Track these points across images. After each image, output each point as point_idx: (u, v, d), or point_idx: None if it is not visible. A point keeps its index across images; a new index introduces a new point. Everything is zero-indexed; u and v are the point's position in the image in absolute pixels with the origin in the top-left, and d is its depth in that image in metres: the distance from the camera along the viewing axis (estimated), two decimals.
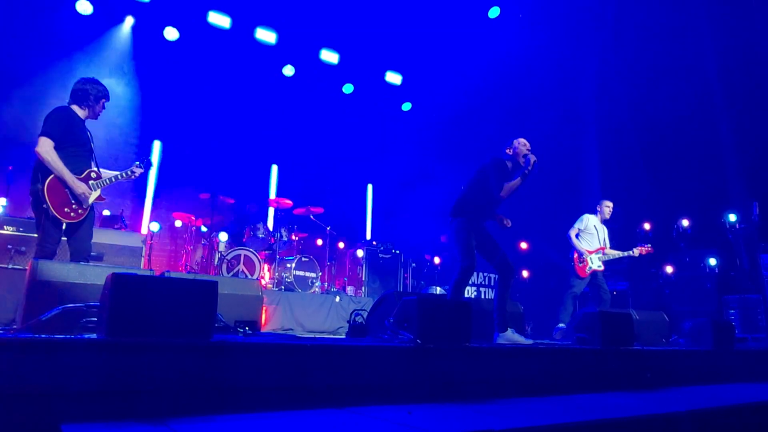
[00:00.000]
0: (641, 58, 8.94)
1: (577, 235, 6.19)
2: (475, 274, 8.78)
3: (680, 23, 8.53)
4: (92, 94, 3.96)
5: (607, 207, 6.34)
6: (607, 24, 9.36)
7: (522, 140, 4.50)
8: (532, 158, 4.31)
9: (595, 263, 6.10)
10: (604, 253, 6.17)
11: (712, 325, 4.40)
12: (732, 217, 7.39)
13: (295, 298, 6.60)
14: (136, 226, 8.13)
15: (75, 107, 3.95)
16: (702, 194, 8.09)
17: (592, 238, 6.20)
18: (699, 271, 7.47)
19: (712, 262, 7.39)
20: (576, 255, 6.11)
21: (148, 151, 8.74)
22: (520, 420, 2.11)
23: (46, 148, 3.63)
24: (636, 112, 9.18)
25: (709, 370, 4.04)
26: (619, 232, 7.43)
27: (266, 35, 9.04)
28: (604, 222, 6.37)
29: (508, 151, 4.51)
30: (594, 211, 6.36)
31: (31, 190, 3.71)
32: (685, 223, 7.67)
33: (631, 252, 6.27)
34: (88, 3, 7.87)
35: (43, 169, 3.66)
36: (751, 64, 7.79)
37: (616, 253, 6.23)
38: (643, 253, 6.32)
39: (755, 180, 7.68)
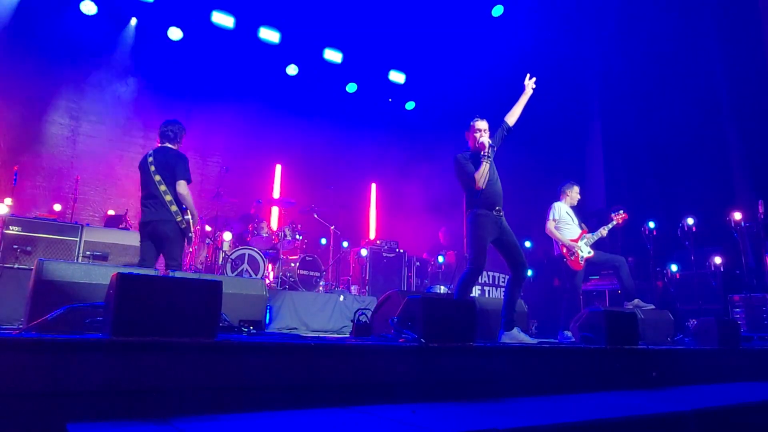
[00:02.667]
0: (646, 57, 8.91)
1: (556, 228, 5.72)
2: None
3: (686, 22, 8.49)
4: (179, 134, 4.80)
5: (577, 192, 5.94)
6: (612, 22, 9.32)
7: (473, 124, 4.31)
8: (486, 143, 4.18)
9: (585, 250, 5.65)
10: (587, 236, 5.75)
11: (718, 323, 4.38)
12: (737, 216, 7.34)
13: (299, 298, 6.60)
14: None
15: (168, 145, 4.76)
16: (707, 192, 8.05)
17: (570, 225, 5.76)
18: (704, 270, 7.43)
19: (718, 260, 7.35)
20: (565, 250, 5.64)
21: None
22: (524, 419, 2.11)
23: (187, 190, 4.61)
24: (641, 110, 9.14)
25: (714, 369, 4.02)
26: (624, 231, 7.39)
27: (270, 35, 9.04)
28: (571, 206, 5.94)
29: (467, 136, 4.39)
30: (558, 198, 5.92)
31: (178, 220, 4.54)
32: (690, 221, 7.62)
33: (608, 226, 5.84)
34: (93, 3, 7.90)
35: (182, 205, 4.59)
36: (758, 61, 7.75)
37: (598, 233, 5.79)
38: (620, 221, 5.86)
39: (761, 178, 7.64)
